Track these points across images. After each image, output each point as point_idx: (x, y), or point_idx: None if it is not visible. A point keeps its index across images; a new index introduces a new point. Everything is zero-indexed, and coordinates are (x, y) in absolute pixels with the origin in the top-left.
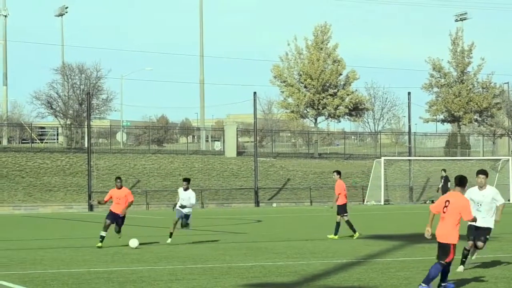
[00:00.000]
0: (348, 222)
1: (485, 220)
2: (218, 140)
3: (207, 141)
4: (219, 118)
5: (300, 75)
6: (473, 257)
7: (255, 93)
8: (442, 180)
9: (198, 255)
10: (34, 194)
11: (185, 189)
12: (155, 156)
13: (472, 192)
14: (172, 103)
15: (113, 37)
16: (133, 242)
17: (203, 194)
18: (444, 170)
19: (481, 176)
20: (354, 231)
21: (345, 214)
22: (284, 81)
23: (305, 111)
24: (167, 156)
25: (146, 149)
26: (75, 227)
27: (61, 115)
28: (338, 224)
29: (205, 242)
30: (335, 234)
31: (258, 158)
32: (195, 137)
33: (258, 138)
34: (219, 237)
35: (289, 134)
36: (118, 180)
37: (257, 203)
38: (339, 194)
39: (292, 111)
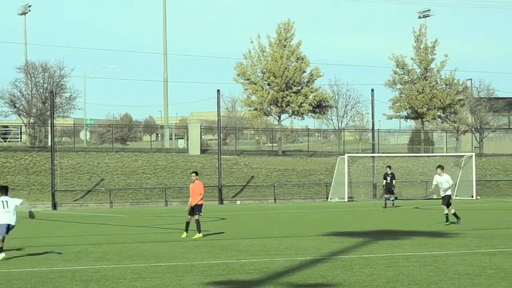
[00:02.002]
0: (197, 221)
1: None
2: (182, 138)
3: (171, 139)
4: (183, 116)
5: (264, 73)
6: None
7: (218, 90)
8: (388, 178)
9: (162, 253)
10: None
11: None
12: (118, 154)
13: (436, 177)
14: (136, 101)
15: (76, 35)
16: None
17: (167, 192)
18: (390, 167)
19: (439, 169)
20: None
21: (200, 214)
22: (248, 79)
23: (269, 109)
24: (131, 154)
25: (109, 147)
26: (39, 226)
27: (25, 113)
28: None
29: (168, 241)
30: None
31: (222, 156)
32: (159, 135)
33: (222, 135)
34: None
35: (252, 132)
36: (193, 174)
37: (221, 201)
38: (201, 194)
39: (256, 109)
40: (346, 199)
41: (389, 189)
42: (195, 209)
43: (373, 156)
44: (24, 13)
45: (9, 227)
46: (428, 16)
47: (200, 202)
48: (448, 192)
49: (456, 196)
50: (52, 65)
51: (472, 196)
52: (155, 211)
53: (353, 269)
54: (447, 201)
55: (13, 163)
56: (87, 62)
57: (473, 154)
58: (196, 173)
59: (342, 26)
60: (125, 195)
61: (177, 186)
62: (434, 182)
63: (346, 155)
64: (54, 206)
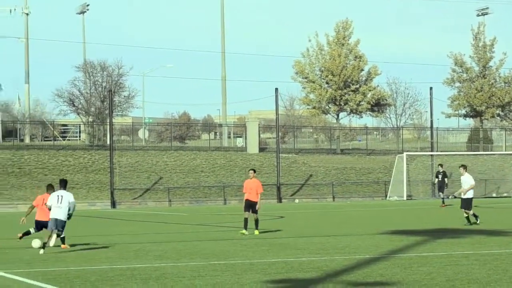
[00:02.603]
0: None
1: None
2: (240, 137)
3: (229, 137)
4: (241, 114)
5: (322, 71)
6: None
7: (276, 89)
8: (440, 176)
9: (221, 251)
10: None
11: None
12: (177, 153)
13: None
14: (194, 100)
15: (134, 34)
16: (36, 243)
17: (226, 190)
18: (441, 165)
19: (461, 168)
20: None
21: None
22: (306, 77)
23: (327, 107)
24: (189, 152)
25: (168, 146)
26: (98, 224)
27: (83, 112)
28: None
29: (227, 239)
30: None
31: (280, 154)
32: (217, 133)
33: (280, 134)
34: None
35: (311, 130)
36: (251, 171)
37: (279, 199)
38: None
39: (314, 107)
40: (405, 198)
41: (440, 187)
42: (253, 207)
43: (431, 155)
44: (82, 12)
45: (56, 222)
46: (486, 14)
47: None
48: (469, 195)
49: None
50: (111, 64)
51: None
52: (214, 209)
53: (411, 268)
54: (467, 205)
55: (72, 162)
56: (145, 61)
57: None
58: (254, 171)
59: (399, 24)
60: (183, 193)
61: (236, 185)
62: (462, 184)
63: (405, 153)
64: (113, 204)
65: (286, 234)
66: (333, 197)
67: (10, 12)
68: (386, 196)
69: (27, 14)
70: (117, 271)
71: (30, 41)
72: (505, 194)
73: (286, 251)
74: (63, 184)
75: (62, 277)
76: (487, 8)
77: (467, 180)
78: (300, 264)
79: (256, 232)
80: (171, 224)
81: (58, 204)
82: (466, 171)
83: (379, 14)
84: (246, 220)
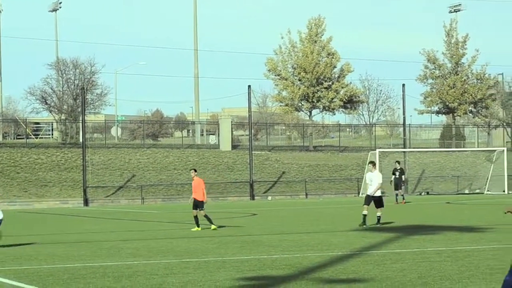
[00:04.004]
0: (205, 216)
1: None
2: (213, 134)
3: (202, 135)
4: (214, 111)
5: (294, 68)
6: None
7: (249, 86)
8: (397, 173)
9: (193, 249)
10: (29, 190)
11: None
12: (150, 150)
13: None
14: (167, 98)
15: (107, 32)
16: None
17: None
18: (398, 162)
19: (370, 165)
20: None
21: (202, 209)
22: (279, 75)
23: (300, 104)
24: (162, 150)
25: (141, 143)
26: (71, 222)
27: (56, 110)
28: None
29: (200, 236)
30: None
31: (253, 152)
32: (190, 131)
33: (253, 131)
34: (215, 230)
35: (283, 127)
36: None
37: (252, 197)
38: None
39: (287, 104)
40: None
41: (397, 185)
42: (198, 205)
43: (404, 151)
44: (54, 10)
45: None
46: (459, 11)
47: (202, 198)
48: (378, 193)
49: (488, 190)
50: (83, 62)
51: (504, 191)
52: (187, 207)
53: (384, 264)
54: (370, 201)
55: (45, 160)
56: (117, 59)
57: (505, 148)
58: (195, 170)
59: (372, 21)
60: (156, 191)
61: (208, 182)
62: (367, 181)
63: (378, 150)
64: (86, 202)
65: (259, 231)
66: (306, 194)
67: None
68: (358, 193)
69: None
70: (90, 269)
71: (2, 39)
72: (477, 191)
73: (259, 248)
74: None
75: (34, 275)
76: (460, 4)
77: (377, 177)
78: (273, 261)
79: (213, 227)
80: (143, 222)
81: None
82: (375, 167)
83: (351, 11)
84: (195, 217)
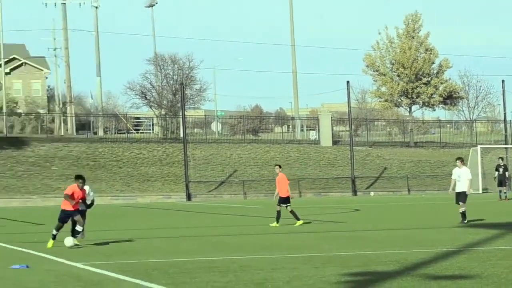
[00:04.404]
0: (291, 212)
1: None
2: (313, 129)
3: (302, 130)
4: (313, 107)
5: (393, 64)
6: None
7: (348, 82)
8: (501, 169)
9: (298, 244)
10: (132, 184)
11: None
12: (250, 145)
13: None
14: (266, 93)
15: (203, 28)
16: (68, 241)
17: (300, 183)
18: (502, 159)
19: (458, 161)
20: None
21: (288, 204)
22: (377, 70)
23: (399, 100)
24: (263, 145)
25: (241, 138)
26: (176, 216)
27: (156, 105)
28: (278, 212)
29: (302, 232)
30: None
31: (354, 147)
32: (290, 126)
33: (353, 127)
34: (318, 226)
35: (383, 123)
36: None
37: (354, 192)
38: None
39: (386, 100)
40: (480, 191)
41: (501, 181)
42: (283, 201)
43: (506, 147)
44: (151, 5)
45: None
46: None
47: (287, 194)
48: (464, 188)
49: None
50: (181, 57)
51: None
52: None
53: (490, 261)
54: (465, 198)
55: (147, 155)
56: (216, 54)
57: None
58: (280, 166)
59: (470, 17)
60: (258, 186)
61: (310, 178)
62: (453, 176)
63: (479, 146)
64: (189, 197)
65: (363, 227)
66: (408, 190)
67: (80, 5)
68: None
69: (96, 7)
70: (195, 263)
71: (100, 34)
72: None
73: (363, 244)
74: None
75: (139, 269)
76: None
77: (466, 173)
78: (378, 257)
79: (299, 222)
80: (247, 217)
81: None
82: (463, 163)
83: (448, 6)
84: (278, 213)
